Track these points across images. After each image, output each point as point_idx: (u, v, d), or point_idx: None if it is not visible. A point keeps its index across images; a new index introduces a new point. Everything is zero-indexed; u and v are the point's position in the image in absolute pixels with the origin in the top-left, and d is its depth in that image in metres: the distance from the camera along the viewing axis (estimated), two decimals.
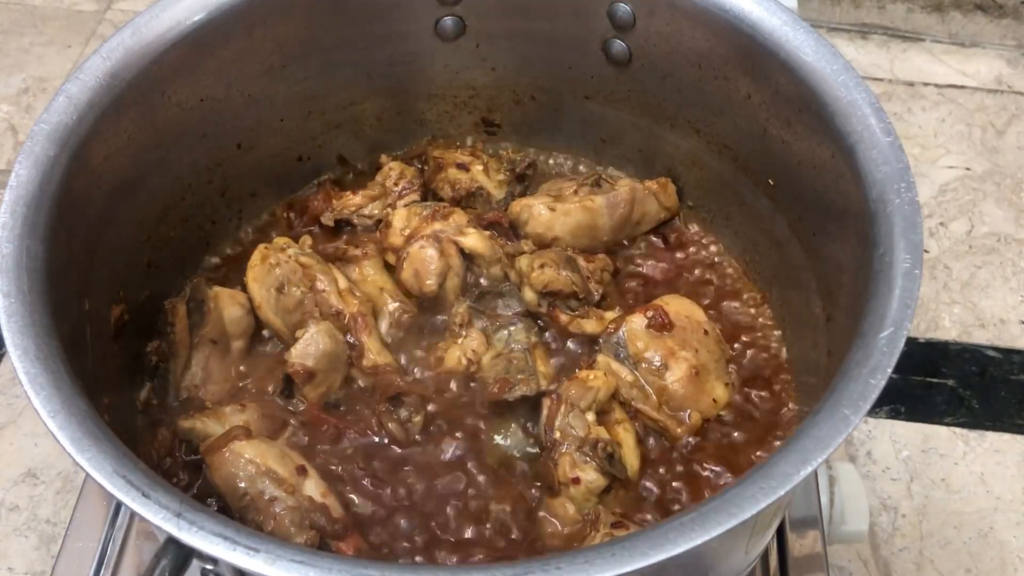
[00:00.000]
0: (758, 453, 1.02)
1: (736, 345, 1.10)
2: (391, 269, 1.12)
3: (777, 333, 1.11)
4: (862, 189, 0.89)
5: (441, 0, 1.15)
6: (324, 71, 1.17)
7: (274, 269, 1.06)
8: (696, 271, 1.17)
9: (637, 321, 1.04)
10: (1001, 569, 1.46)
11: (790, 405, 1.06)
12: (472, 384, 1.04)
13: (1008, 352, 1.70)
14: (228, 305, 1.06)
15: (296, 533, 0.89)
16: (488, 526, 0.96)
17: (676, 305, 1.06)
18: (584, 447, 0.95)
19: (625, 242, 1.18)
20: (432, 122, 1.28)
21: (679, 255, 1.19)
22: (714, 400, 1.03)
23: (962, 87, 2.09)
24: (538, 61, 1.20)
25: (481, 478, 0.99)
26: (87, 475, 0.73)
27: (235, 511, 0.91)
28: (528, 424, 1.01)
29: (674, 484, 1.00)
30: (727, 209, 1.17)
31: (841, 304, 0.95)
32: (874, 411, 1.59)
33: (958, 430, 1.61)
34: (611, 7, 1.10)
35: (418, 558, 0.94)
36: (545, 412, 0.98)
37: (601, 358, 1.03)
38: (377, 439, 1.01)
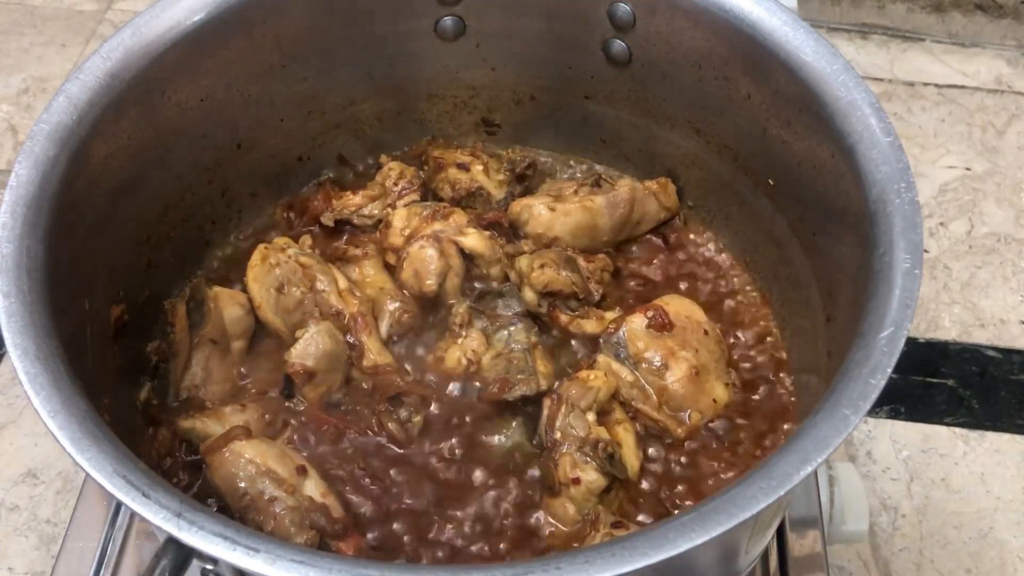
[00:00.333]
0: (758, 453, 1.02)
1: (736, 345, 1.10)
2: (391, 269, 1.12)
3: (777, 333, 1.11)
4: (862, 189, 0.89)
5: (441, 0, 1.15)
6: (324, 71, 1.17)
7: (274, 269, 1.06)
8: (696, 271, 1.17)
9: (637, 321, 1.04)
10: (1001, 569, 1.46)
11: (790, 406, 1.06)
12: (472, 384, 1.04)
13: (1008, 352, 1.70)
14: (228, 305, 1.06)
15: (296, 533, 0.89)
16: (488, 526, 0.96)
17: (676, 305, 1.06)
18: (584, 447, 0.95)
19: (625, 243, 1.18)
20: (432, 122, 1.28)
21: (679, 255, 1.19)
22: (714, 400, 1.03)
23: (962, 87, 2.09)
24: (538, 61, 1.20)
25: (481, 478, 0.99)
26: (87, 475, 0.73)
27: (235, 511, 0.91)
28: (528, 424, 1.01)
29: (674, 484, 1.00)
30: (727, 209, 1.17)
31: (841, 304, 0.95)
32: (874, 411, 1.59)
33: (958, 430, 1.61)
34: (611, 7, 1.10)
35: (418, 558, 0.94)
36: (545, 412, 0.98)
37: (601, 358, 1.03)
38: (377, 439, 1.01)
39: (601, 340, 1.05)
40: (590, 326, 1.07)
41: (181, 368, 1.04)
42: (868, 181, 0.89)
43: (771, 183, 1.09)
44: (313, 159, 1.24)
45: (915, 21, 2.17)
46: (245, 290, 1.08)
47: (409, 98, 1.25)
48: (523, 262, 1.09)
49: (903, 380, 1.65)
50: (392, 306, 1.08)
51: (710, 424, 1.03)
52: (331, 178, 1.26)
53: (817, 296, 1.01)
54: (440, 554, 0.94)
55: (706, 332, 1.05)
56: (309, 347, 1.01)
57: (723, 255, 1.19)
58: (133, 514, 1.02)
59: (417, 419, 1.01)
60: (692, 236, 1.20)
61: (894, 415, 1.62)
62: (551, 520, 0.96)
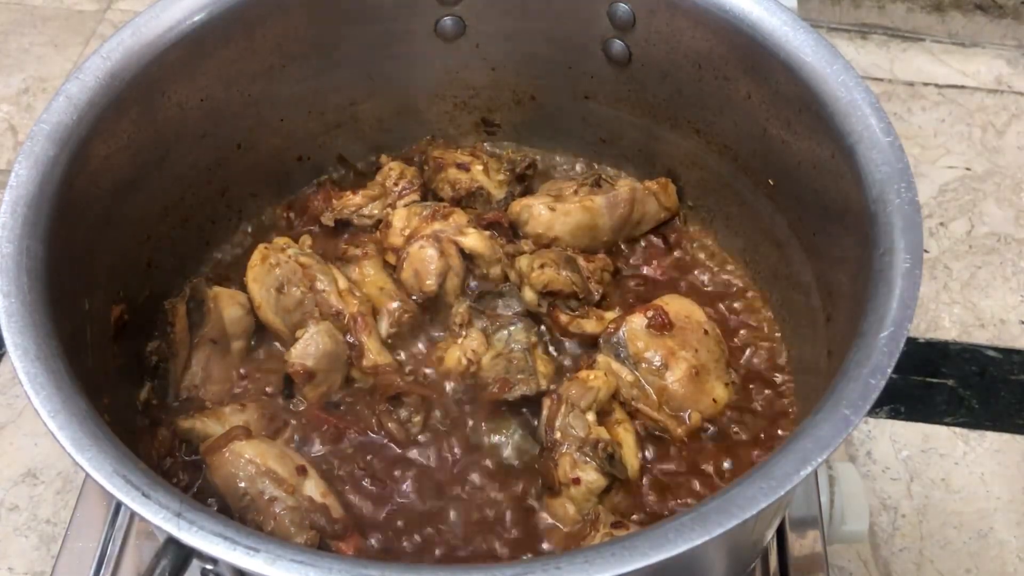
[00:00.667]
0: (758, 453, 1.02)
1: (736, 345, 1.10)
2: (391, 269, 1.12)
3: (777, 333, 1.11)
4: (862, 189, 0.89)
5: (441, 0, 1.15)
6: (324, 71, 1.17)
7: (274, 269, 1.06)
8: (696, 271, 1.17)
9: (637, 321, 1.04)
10: (1001, 569, 1.46)
11: (790, 405, 1.06)
12: (472, 384, 1.04)
13: (1008, 352, 1.69)
14: (228, 305, 1.06)
15: (296, 533, 0.89)
16: (488, 526, 0.96)
17: (676, 305, 1.06)
18: (584, 447, 0.95)
19: (625, 243, 1.18)
20: (432, 122, 1.28)
21: (679, 255, 1.19)
22: (714, 400, 1.03)
23: (962, 87, 2.08)
24: (538, 61, 1.20)
25: (481, 478, 0.99)
26: (87, 475, 0.73)
27: (235, 511, 0.91)
28: (528, 424, 1.01)
29: (674, 484, 1.00)
30: (727, 209, 1.17)
31: (841, 304, 0.95)
32: (874, 411, 1.59)
33: (958, 430, 1.61)
34: (611, 7, 1.10)
35: (418, 557, 0.94)
36: (545, 412, 0.98)
37: (601, 358, 1.03)
38: (377, 439, 1.01)
39: (601, 340, 1.05)
40: (590, 326, 1.07)
41: (181, 368, 1.04)
42: (868, 181, 0.89)
43: (771, 183, 1.09)
44: (313, 159, 1.24)
45: (915, 21, 2.17)
46: (245, 290, 1.08)
47: (409, 98, 1.25)
48: (523, 262, 1.09)
49: (903, 380, 1.65)
50: (392, 306, 1.08)
51: (710, 424, 1.03)
52: (331, 178, 1.26)
53: (817, 296, 1.01)
54: (440, 554, 0.94)
55: (706, 332, 1.05)
56: (309, 347, 1.01)
57: (723, 255, 1.19)
58: (133, 514, 1.02)
59: (417, 419, 1.01)
60: (692, 236, 1.20)
61: (894, 415, 1.62)
62: (551, 520, 0.96)
